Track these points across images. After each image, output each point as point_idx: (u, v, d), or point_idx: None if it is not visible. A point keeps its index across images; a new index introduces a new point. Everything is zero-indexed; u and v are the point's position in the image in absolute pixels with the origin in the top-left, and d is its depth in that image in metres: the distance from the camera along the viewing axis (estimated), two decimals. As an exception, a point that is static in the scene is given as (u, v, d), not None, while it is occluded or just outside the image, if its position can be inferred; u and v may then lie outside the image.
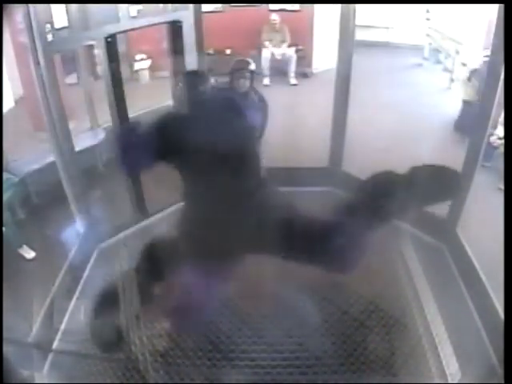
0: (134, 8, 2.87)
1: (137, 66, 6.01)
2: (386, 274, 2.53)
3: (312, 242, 1.77)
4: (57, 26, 2.51)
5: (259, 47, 6.15)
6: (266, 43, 6.11)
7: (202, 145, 1.75)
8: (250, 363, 2.24)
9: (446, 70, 6.18)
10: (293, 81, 6.19)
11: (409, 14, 6.78)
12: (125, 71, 4.15)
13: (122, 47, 3.78)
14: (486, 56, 4.18)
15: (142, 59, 6.02)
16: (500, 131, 3.82)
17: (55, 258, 2.86)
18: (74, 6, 2.57)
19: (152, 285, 2.14)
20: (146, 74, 6.10)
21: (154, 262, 2.07)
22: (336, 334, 2.38)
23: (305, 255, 1.81)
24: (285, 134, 3.97)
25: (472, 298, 2.55)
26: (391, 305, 2.55)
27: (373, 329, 2.44)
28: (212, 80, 2.02)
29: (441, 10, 6.31)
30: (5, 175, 3.17)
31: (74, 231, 2.94)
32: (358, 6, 3.06)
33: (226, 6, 6.09)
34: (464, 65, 5.32)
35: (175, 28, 3.16)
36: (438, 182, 1.74)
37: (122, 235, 3.20)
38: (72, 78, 4.89)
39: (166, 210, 3.32)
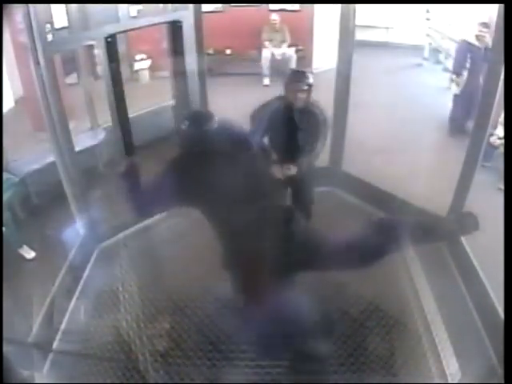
0: (133, 8, 2.88)
1: (137, 65, 6.01)
2: (386, 274, 2.52)
3: (338, 261, 1.93)
4: (57, 26, 2.52)
5: (259, 47, 6.14)
6: (266, 43, 6.10)
7: (221, 188, 1.85)
8: (250, 363, 2.23)
9: (445, 69, 6.17)
10: (293, 81, 6.18)
11: (409, 14, 6.77)
12: (125, 71, 4.16)
13: (122, 47, 3.79)
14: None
15: (141, 59, 6.01)
16: (500, 131, 3.82)
17: (55, 258, 2.85)
18: (73, 6, 2.58)
19: None
20: (146, 74, 6.10)
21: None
22: (336, 334, 2.38)
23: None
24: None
25: (472, 298, 2.55)
26: (391, 305, 2.56)
27: (373, 329, 2.44)
28: (216, 119, 1.99)
29: (441, 9, 6.32)
30: (5, 175, 3.17)
31: (74, 231, 2.95)
32: (358, 6, 3.06)
33: (226, 5, 6.10)
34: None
35: (175, 28, 3.17)
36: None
37: (121, 235, 3.20)
38: (72, 78, 4.88)
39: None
